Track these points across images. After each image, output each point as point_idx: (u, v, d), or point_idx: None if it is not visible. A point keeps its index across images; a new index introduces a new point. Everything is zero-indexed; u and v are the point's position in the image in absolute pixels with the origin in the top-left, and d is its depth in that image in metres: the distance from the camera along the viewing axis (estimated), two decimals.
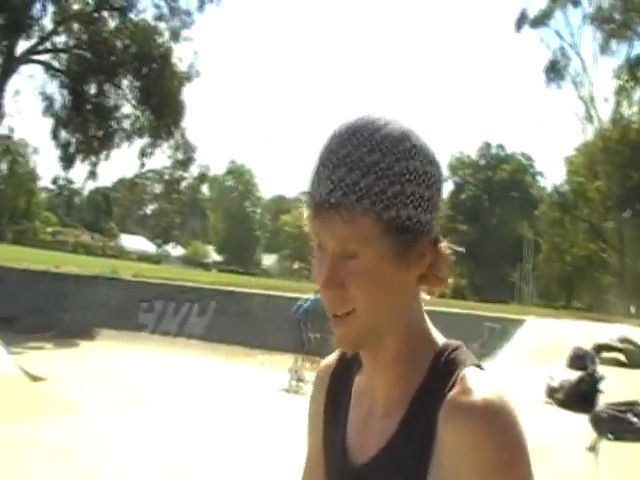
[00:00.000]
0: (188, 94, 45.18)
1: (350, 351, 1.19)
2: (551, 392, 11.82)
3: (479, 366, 1.11)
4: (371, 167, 1.04)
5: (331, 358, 1.35)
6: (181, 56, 30.68)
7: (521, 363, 15.10)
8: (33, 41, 28.84)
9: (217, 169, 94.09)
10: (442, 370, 1.10)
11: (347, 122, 1.09)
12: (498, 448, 1.00)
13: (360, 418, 1.21)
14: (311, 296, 17.02)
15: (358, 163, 1.05)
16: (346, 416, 1.23)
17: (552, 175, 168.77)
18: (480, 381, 1.06)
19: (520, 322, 19.53)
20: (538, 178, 74.66)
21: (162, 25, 30.08)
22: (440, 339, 1.17)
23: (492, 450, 1.00)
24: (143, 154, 30.71)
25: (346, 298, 1.08)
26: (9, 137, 36.76)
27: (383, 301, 1.09)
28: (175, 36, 30.01)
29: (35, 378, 12.73)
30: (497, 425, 1.01)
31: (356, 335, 1.11)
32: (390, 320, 1.12)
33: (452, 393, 1.06)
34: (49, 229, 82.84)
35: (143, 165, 32.17)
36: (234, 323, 21.29)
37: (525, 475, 1.03)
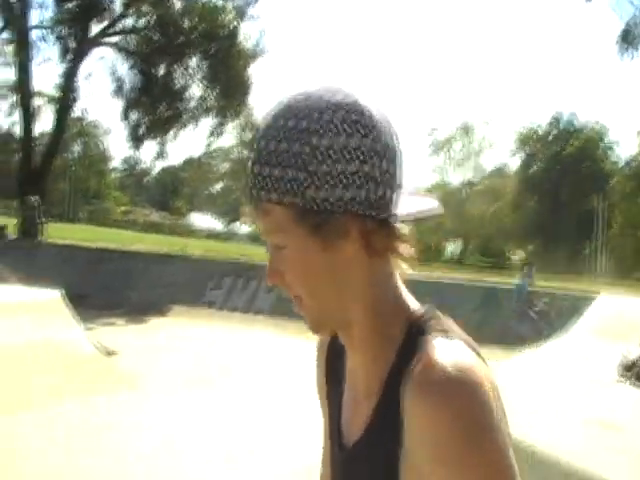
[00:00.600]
0: (254, 73, 45.41)
1: (316, 332, 1.19)
2: (625, 369, 11.58)
3: (447, 334, 1.06)
4: (279, 157, 1.05)
5: None
6: (247, 34, 30.74)
7: (592, 340, 14.82)
8: (104, 24, 29.33)
9: None
10: (411, 345, 1.07)
11: (268, 113, 1.10)
12: (457, 422, 0.96)
13: (351, 398, 1.19)
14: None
15: (270, 155, 1.06)
16: (342, 393, 1.22)
17: (626, 147, 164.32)
18: (442, 353, 1.01)
19: (592, 297, 19.14)
20: (612, 149, 72.83)
21: (228, 4, 30.18)
22: (414, 308, 1.13)
23: (452, 424, 0.95)
24: (212, 134, 30.99)
25: (289, 286, 1.12)
26: (82, 119, 37.45)
27: (319, 285, 1.09)
28: (241, 14, 30.08)
29: (109, 353, 13.02)
30: (457, 399, 0.96)
31: (314, 318, 1.13)
32: (341, 301, 1.10)
33: (414, 368, 1.02)
34: (121, 208, 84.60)
35: (210, 145, 32.55)
36: None
37: (491, 451, 0.97)
